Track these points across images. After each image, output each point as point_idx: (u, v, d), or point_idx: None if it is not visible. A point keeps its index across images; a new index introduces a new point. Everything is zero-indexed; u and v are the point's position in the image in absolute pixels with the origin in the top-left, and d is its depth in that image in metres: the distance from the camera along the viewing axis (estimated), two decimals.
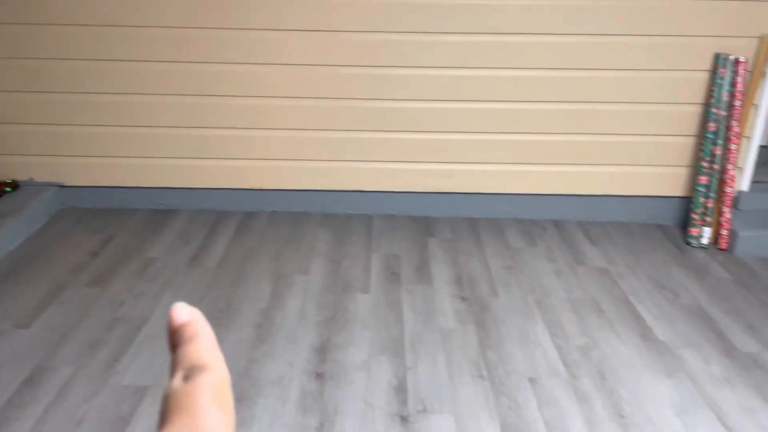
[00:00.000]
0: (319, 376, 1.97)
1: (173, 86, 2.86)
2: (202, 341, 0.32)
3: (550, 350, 2.13)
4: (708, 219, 2.86)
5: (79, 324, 2.19)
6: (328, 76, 2.85)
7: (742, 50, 2.77)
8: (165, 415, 0.29)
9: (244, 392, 1.89)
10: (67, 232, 2.86)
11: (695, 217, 2.87)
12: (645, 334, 2.23)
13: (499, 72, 2.84)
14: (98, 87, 2.87)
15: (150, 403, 1.83)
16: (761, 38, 2.75)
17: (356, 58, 2.82)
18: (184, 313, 0.33)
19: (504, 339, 2.18)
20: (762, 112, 2.87)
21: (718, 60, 2.76)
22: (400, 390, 1.92)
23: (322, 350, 2.10)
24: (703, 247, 2.87)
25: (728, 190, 2.82)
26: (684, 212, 3.05)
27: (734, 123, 2.76)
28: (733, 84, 2.75)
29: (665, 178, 3.02)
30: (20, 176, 3.01)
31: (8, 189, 2.92)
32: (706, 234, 2.86)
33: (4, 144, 2.96)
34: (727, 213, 2.83)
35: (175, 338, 0.32)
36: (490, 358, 2.08)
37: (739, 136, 2.80)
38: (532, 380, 1.98)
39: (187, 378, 0.30)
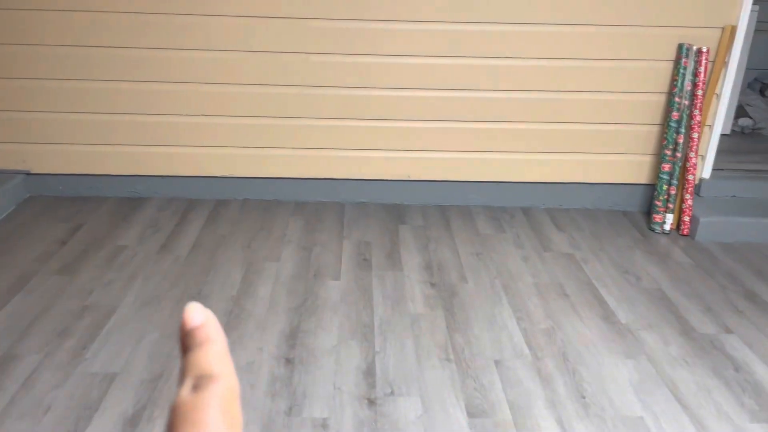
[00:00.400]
0: (289, 361, 2.00)
1: (143, 73, 2.84)
2: (214, 347, 0.31)
3: (516, 333, 2.18)
4: (671, 206, 2.94)
5: (47, 312, 2.18)
6: (299, 64, 2.85)
7: (705, 40, 2.84)
8: (172, 428, 0.28)
9: None
10: (35, 220, 2.83)
11: (658, 204, 2.95)
12: (607, 316, 2.30)
13: (469, 61, 2.87)
14: (66, 73, 2.83)
15: (118, 391, 1.84)
16: (723, 29, 2.82)
17: (327, 46, 2.82)
18: (197, 315, 0.32)
19: (471, 323, 2.23)
20: (723, 102, 2.95)
21: (682, 50, 2.82)
22: (369, 374, 1.95)
23: (292, 336, 2.12)
24: (665, 233, 2.95)
25: (690, 177, 2.90)
26: (648, 199, 3.12)
27: (696, 112, 2.84)
28: (695, 74, 2.82)
29: (630, 166, 3.09)
30: None
31: None
32: (669, 220, 2.94)
33: None
34: (689, 200, 2.91)
35: (186, 341, 0.31)
36: (457, 342, 2.12)
37: (701, 124, 2.88)
38: (497, 362, 2.03)
39: (196, 388, 0.29)
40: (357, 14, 2.77)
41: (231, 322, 2.18)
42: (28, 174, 3.00)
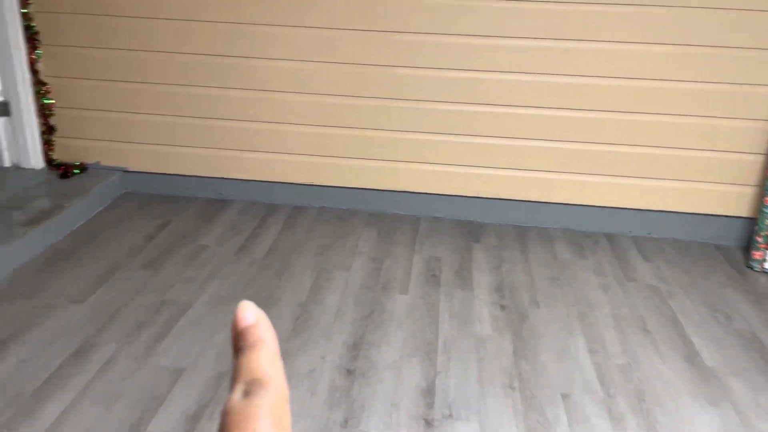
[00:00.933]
0: (350, 372, 1.99)
1: (236, 80, 2.96)
2: (265, 350, 0.31)
3: (588, 367, 2.07)
4: None
5: (129, 304, 2.30)
6: (384, 76, 2.86)
7: None
8: None
9: None
10: (128, 215, 3.01)
11: (759, 240, 2.72)
12: (691, 357, 2.13)
13: (558, 78, 2.78)
14: (165, 77, 2.99)
15: (184, 386, 1.90)
16: None
17: (412, 60, 2.82)
18: (249, 314, 0.32)
19: (540, 351, 2.13)
20: None
21: None
22: (428, 393, 1.91)
23: (355, 347, 2.11)
24: (765, 272, 2.71)
25: None
26: (747, 234, 2.89)
27: None
28: None
29: (729, 196, 2.87)
30: (88, 159, 3.19)
31: (76, 171, 3.10)
32: None
33: (75, 128, 3.14)
34: None
35: (238, 342, 0.31)
36: (524, 370, 2.04)
37: None
38: (565, 396, 1.93)
39: (247, 393, 0.29)
40: (442, 29, 2.75)
41: (297, 328, 2.21)
42: (126, 171, 3.20)
